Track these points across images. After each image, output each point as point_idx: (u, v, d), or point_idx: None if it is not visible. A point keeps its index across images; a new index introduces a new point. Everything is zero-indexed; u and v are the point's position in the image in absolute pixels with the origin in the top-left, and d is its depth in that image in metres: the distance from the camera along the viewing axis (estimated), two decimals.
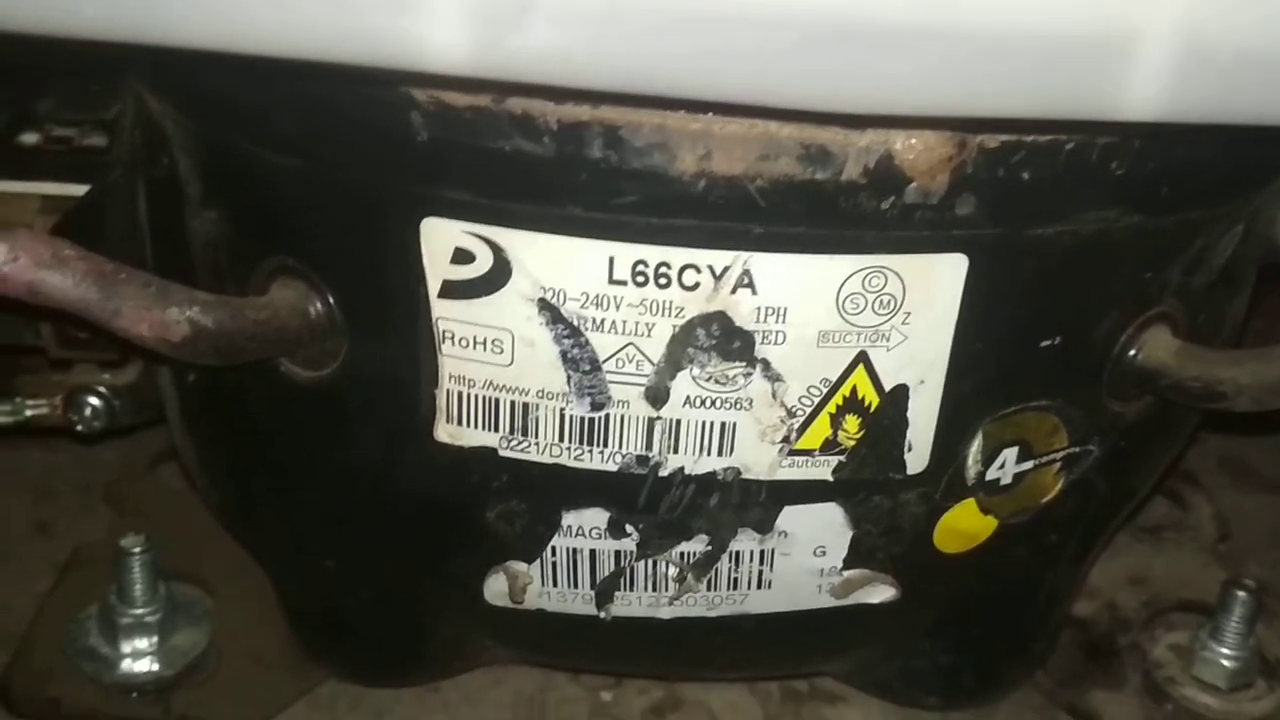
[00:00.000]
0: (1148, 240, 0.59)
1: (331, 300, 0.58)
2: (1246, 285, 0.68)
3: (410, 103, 0.51)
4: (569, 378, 0.57)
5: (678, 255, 0.53)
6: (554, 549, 0.63)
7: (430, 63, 0.43)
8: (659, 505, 0.60)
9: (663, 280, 0.54)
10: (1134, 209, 0.56)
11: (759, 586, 0.65)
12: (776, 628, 0.67)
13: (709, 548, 0.63)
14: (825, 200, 0.52)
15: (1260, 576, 0.81)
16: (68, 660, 0.76)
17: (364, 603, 0.73)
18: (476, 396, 0.58)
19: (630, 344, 0.56)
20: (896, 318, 0.56)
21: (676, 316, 0.55)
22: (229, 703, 0.75)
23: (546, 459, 0.59)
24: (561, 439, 0.59)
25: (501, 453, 0.60)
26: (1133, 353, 0.61)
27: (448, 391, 0.59)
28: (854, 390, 0.58)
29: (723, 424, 0.58)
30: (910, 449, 0.60)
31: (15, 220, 0.67)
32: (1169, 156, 0.54)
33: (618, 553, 0.63)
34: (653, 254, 0.53)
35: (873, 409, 0.58)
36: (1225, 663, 0.78)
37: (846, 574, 0.65)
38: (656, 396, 0.57)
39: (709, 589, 0.65)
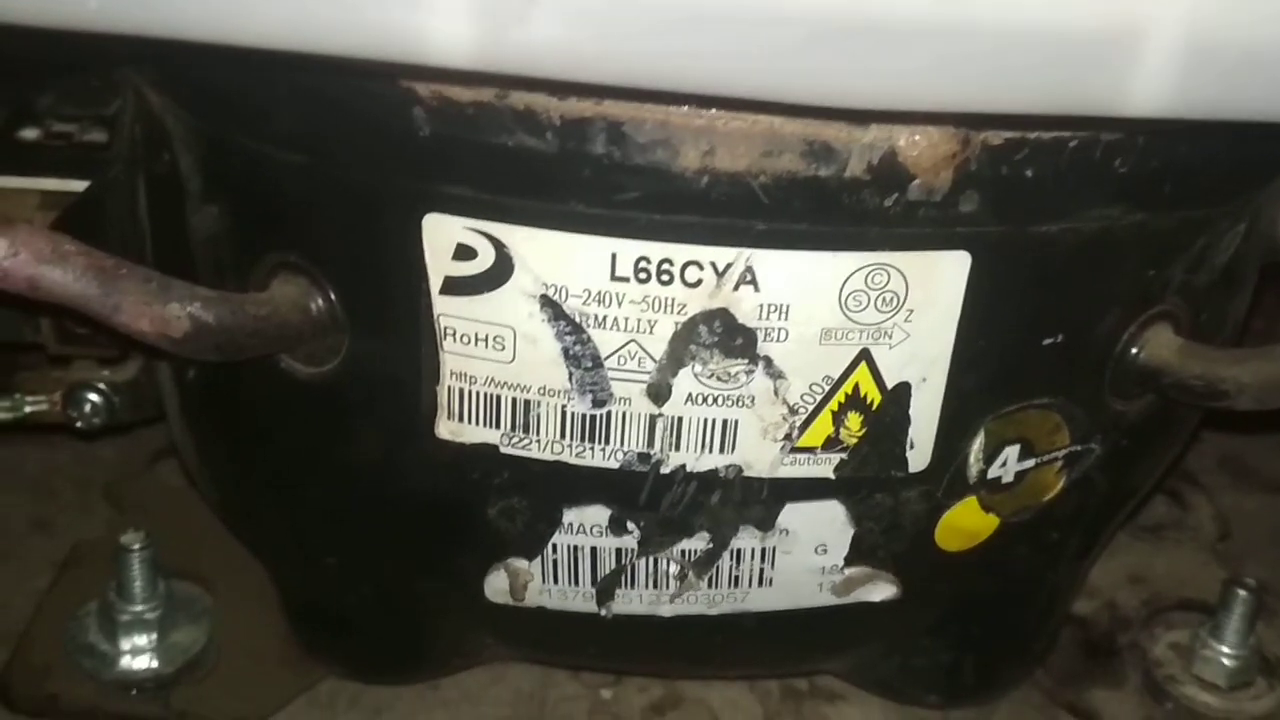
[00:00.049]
0: (1151, 238, 0.59)
1: (333, 296, 0.58)
2: (1248, 284, 0.68)
3: (412, 98, 0.51)
4: (571, 375, 0.57)
5: (680, 252, 0.53)
6: (555, 546, 0.63)
7: (434, 57, 0.43)
8: (660, 502, 0.60)
9: (665, 277, 0.54)
10: (1137, 207, 0.56)
11: (760, 584, 0.65)
12: (777, 625, 0.67)
13: (710, 545, 0.62)
14: (828, 197, 0.52)
15: (1260, 575, 0.81)
16: (67, 657, 0.76)
17: (364, 600, 0.73)
18: (478, 393, 0.58)
19: (632, 341, 0.56)
20: (899, 315, 0.56)
21: (679, 313, 0.55)
22: (228, 700, 0.75)
23: (548, 456, 0.59)
24: (563, 436, 0.58)
25: (503, 450, 0.59)
26: (1135, 351, 0.61)
27: (449, 388, 0.58)
28: (856, 388, 0.57)
29: (724, 421, 0.58)
30: (912, 447, 0.60)
31: (15, 216, 0.67)
32: (1172, 154, 0.54)
33: (619, 550, 0.63)
34: (655, 250, 0.53)
35: (875, 407, 0.58)
36: (1225, 661, 0.78)
37: (848, 572, 0.65)
38: (658, 393, 0.57)
39: (710, 587, 0.64)
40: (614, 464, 0.59)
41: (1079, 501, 0.67)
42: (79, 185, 0.68)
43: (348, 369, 0.60)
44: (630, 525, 0.61)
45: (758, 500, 0.61)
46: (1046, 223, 0.55)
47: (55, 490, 0.92)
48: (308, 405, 0.63)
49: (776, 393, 0.57)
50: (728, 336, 0.55)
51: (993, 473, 0.62)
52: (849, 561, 0.64)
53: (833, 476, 0.60)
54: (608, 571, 0.64)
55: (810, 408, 0.58)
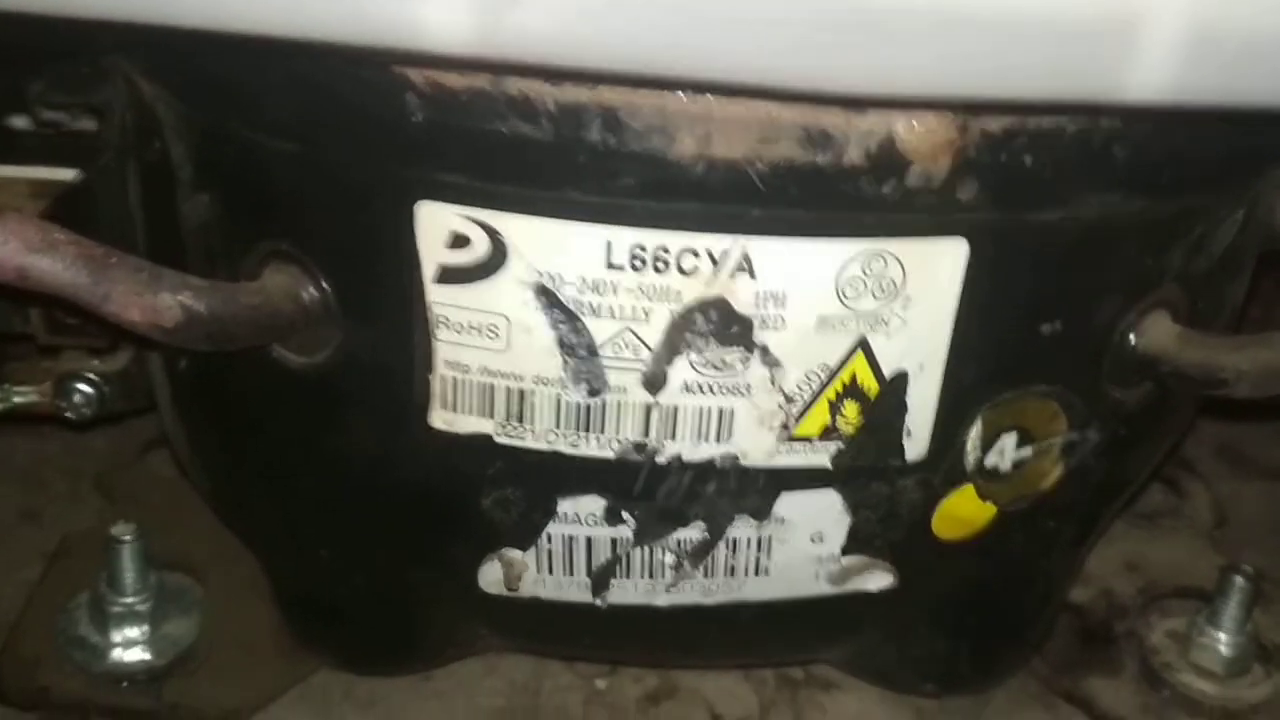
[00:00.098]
0: (1149, 226, 0.58)
1: (325, 285, 0.58)
2: (1246, 272, 0.68)
3: (406, 85, 0.50)
4: (565, 363, 0.56)
5: (676, 239, 0.53)
6: (549, 536, 0.63)
7: (429, 42, 0.43)
8: (656, 492, 0.60)
9: (661, 265, 0.54)
10: (1135, 194, 0.56)
11: (756, 574, 0.64)
12: (774, 615, 0.67)
13: (706, 535, 0.62)
14: (826, 184, 0.51)
15: (1257, 563, 0.81)
16: (58, 649, 0.75)
17: (357, 591, 0.73)
18: (472, 382, 0.58)
19: (627, 329, 0.55)
20: (896, 302, 0.55)
21: (674, 301, 0.54)
22: (220, 691, 0.75)
23: (542, 445, 0.59)
24: (558, 425, 0.58)
25: (497, 439, 0.59)
26: (1133, 338, 0.61)
27: (442, 377, 0.58)
28: (853, 376, 0.57)
29: (720, 410, 0.58)
30: (909, 435, 0.60)
31: (5, 204, 0.66)
32: (1171, 142, 0.54)
33: (614, 540, 0.62)
34: (651, 238, 0.53)
35: (872, 395, 0.58)
36: (1222, 649, 0.78)
37: (844, 561, 0.65)
38: (654, 382, 0.57)
39: (706, 576, 0.64)
40: (609, 453, 0.59)
41: (1076, 489, 0.67)
42: (69, 174, 0.67)
43: (340, 358, 0.60)
44: (626, 515, 0.61)
45: (754, 489, 0.60)
46: (1044, 210, 0.55)
47: (45, 481, 0.91)
48: (300, 395, 0.62)
49: (773, 381, 0.57)
50: (724, 325, 0.55)
51: (990, 461, 0.62)
52: (846, 550, 0.64)
53: (829, 465, 0.60)
54: (603, 562, 0.63)
55: (807, 396, 0.57)
